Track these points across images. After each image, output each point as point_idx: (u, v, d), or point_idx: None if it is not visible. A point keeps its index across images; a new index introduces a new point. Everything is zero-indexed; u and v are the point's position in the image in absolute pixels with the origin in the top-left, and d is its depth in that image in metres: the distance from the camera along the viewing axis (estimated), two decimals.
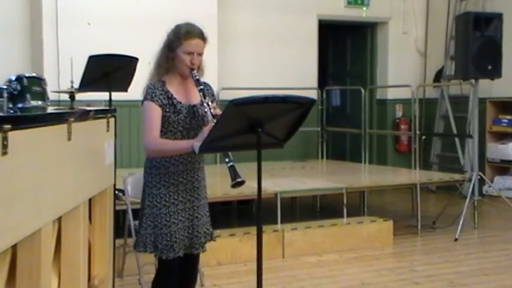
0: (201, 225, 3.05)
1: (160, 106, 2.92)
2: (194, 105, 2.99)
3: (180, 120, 2.95)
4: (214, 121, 2.76)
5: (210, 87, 3.08)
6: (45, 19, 6.48)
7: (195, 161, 3.02)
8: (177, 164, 2.97)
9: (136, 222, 3.68)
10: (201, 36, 2.96)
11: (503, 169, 7.90)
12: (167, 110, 2.93)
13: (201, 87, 2.93)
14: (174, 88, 2.98)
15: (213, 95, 3.07)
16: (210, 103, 2.89)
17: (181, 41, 2.92)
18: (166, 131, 2.94)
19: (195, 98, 3.00)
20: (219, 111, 2.87)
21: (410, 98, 7.54)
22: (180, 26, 2.98)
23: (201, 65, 3.01)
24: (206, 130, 2.70)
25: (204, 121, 2.97)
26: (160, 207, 2.96)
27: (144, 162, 3.08)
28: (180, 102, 2.96)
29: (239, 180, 2.66)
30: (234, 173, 2.67)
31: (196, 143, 2.70)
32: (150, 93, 2.93)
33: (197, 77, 2.95)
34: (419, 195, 5.98)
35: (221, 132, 2.52)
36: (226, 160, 2.72)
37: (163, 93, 2.94)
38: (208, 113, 2.86)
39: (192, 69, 2.94)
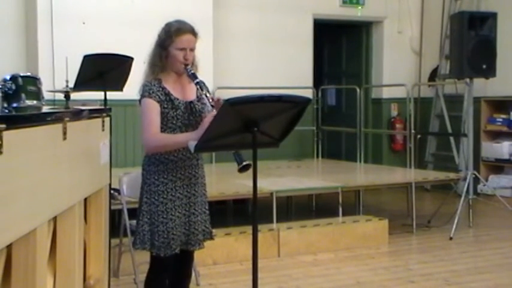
0: (199, 222, 3.06)
1: (158, 102, 2.93)
2: (191, 102, 3.02)
3: (178, 116, 2.96)
4: (214, 111, 2.77)
5: (205, 84, 3.08)
6: (40, 18, 6.47)
7: (193, 157, 3.04)
8: (175, 160, 2.99)
9: (133, 221, 3.69)
10: (192, 31, 2.99)
11: (497, 168, 7.92)
12: (165, 106, 2.95)
13: (197, 80, 2.95)
14: (170, 85, 3.00)
15: (208, 91, 3.07)
16: (208, 94, 2.90)
17: (173, 38, 2.95)
18: (165, 127, 2.96)
19: (191, 94, 3.03)
20: (217, 98, 2.88)
21: (406, 97, 7.55)
22: (170, 24, 3.00)
23: (194, 61, 3.04)
24: (206, 122, 2.71)
25: (202, 117, 2.99)
26: (158, 204, 2.97)
27: (143, 160, 3.09)
28: (177, 99, 2.98)
29: (245, 163, 2.65)
30: (239, 157, 2.67)
31: (191, 142, 2.70)
32: (147, 90, 2.94)
33: (192, 71, 2.97)
34: (415, 194, 5.99)
35: (216, 131, 2.53)
36: None
37: (161, 89, 2.96)
38: (207, 103, 2.87)
39: (186, 65, 2.96)
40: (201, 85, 2.94)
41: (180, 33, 2.94)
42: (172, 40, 2.94)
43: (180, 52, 2.94)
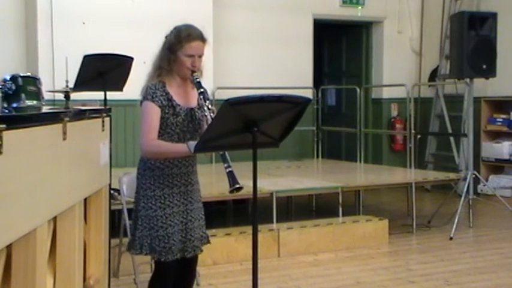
0: (195, 229, 3.04)
1: (160, 107, 2.92)
2: (192, 109, 3.00)
3: (178, 122, 2.95)
4: None
5: (205, 89, 3.07)
6: (40, 18, 6.47)
7: (189, 164, 3.03)
8: (171, 166, 2.97)
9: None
10: (201, 38, 2.96)
11: (497, 168, 7.92)
12: (166, 111, 2.93)
13: (202, 90, 2.94)
14: (174, 90, 2.98)
15: (208, 98, 3.06)
16: (210, 106, 2.90)
17: (182, 43, 2.92)
18: (163, 132, 2.94)
19: (193, 100, 3.01)
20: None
21: (406, 97, 7.55)
22: (180, 29, 2.97)
23: (200, 66, 3.01)
24: None
25: (201, 125, 2.99)
26: (156, 209, 2.96)
27: (138, 164, 3.07)
28: (179, 105, 2.97)
29: (237, 186, 2.67)
30: (232, 179, 2.68)
31: (191, 142, 2.70)
32: (150, 94, 2.92)
33: (198, 80, 2.95)
34: (415, 194, 5.99)
35: (216, 131, 2.53)
36: (225, 165, 2.72)
37: (164, 94, 2.94)
38: (209, 117, 2.86)
39: (193, 72, 2.95)
40: (204, 96, 2.93)
41: (189, 40, 2.92)
42: (182, 46, 2.92)
43: (188, 59, 2.93)
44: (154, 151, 2.92)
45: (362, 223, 5.49)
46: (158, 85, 2.94)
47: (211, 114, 2.86)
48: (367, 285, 4.37)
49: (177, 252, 2.97)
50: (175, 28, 2.99)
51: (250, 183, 2.57)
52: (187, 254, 3.03)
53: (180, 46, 2.92)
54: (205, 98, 2.92)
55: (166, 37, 3.00)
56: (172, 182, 2.98)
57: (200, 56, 2.96)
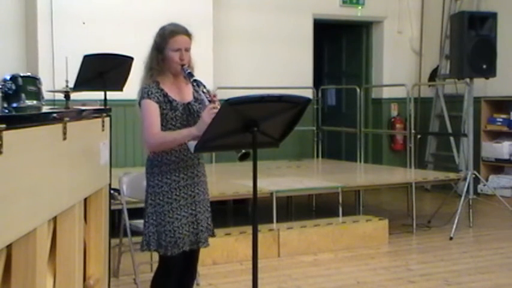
0: (203, 220, 3.09)
1: (157, 103, 2.96)
2: (188, 103, 3.04)
3: (177, 116, 2.99)
4: (212, 104, 2.81)
5: (201, 81, 3.09)
6: (40, 18, 6.47)
7: (194, 157, 3.07)
8: (177, 161, 3.01)
9: (132, 221, 3.70)
10: (186, 32, 3.03)
11: (498, 168, 7.92)
12: (164, 107, 2.97)
13: (194, 78, 2.98)
14: (168, 87, 3.03)
15: (205, 87, 3.08)
16: (204, 90, 2.93)
17: (167, 40, 2.99)
18: (165, 129, 2.98)
19: (188, 95, 3.07)
20: (214, 96, 2.90)
21: (406, 97, 7.54)
22: (164, 27, 3.05)
23: (190, 63, 3.06)
24: (205, 115, 2.76)
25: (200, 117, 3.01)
26: (163, 204, 2.99)
27: (146, 164, 3.11)
28: (175, 100, 3.01)
29: (245, 151, 2.67)
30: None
31: (191, 142, 2.72)
32: (146, 92, 2.97)
33: (189, 71, 3.01)
34: (415, 194, 5.99)
35: (216, 131, 2.54)
36: None
37: (159, 91, 2.99)
38: (205, 99, 2.90)
39: (183, 65, 2.99)
40: (197, 82, 2.97)
41: (174, 35, 2.98)
42: (167, 42, 2.98)
43: (175, 53, 2.98)
44: (160, 141, 2.95)
45: (362, 223, 5.49)
46: (152, 84, 3.00)
47: (207, 96, 2.89)
48: (367, 285, 4.37)
49: (183, 245, 3.00)
50: (160, 28, 3.06)
51: (251, 183, 2.57)
52: (202, 245, 3.08)
53: (165, 43, 2.99)
54: (199, 85, 2.95)
55: (153, 38, 3.06)
56: (179, 176, 3.02)
57: (187, 50, 3.01)
